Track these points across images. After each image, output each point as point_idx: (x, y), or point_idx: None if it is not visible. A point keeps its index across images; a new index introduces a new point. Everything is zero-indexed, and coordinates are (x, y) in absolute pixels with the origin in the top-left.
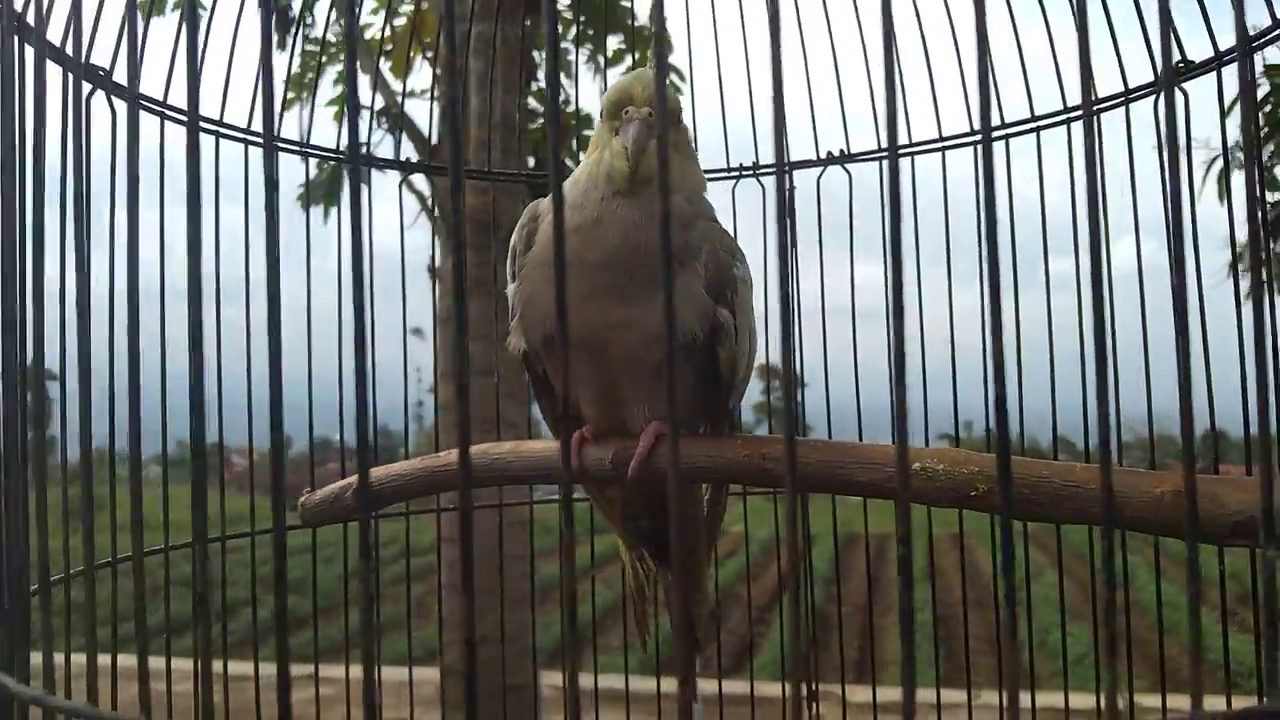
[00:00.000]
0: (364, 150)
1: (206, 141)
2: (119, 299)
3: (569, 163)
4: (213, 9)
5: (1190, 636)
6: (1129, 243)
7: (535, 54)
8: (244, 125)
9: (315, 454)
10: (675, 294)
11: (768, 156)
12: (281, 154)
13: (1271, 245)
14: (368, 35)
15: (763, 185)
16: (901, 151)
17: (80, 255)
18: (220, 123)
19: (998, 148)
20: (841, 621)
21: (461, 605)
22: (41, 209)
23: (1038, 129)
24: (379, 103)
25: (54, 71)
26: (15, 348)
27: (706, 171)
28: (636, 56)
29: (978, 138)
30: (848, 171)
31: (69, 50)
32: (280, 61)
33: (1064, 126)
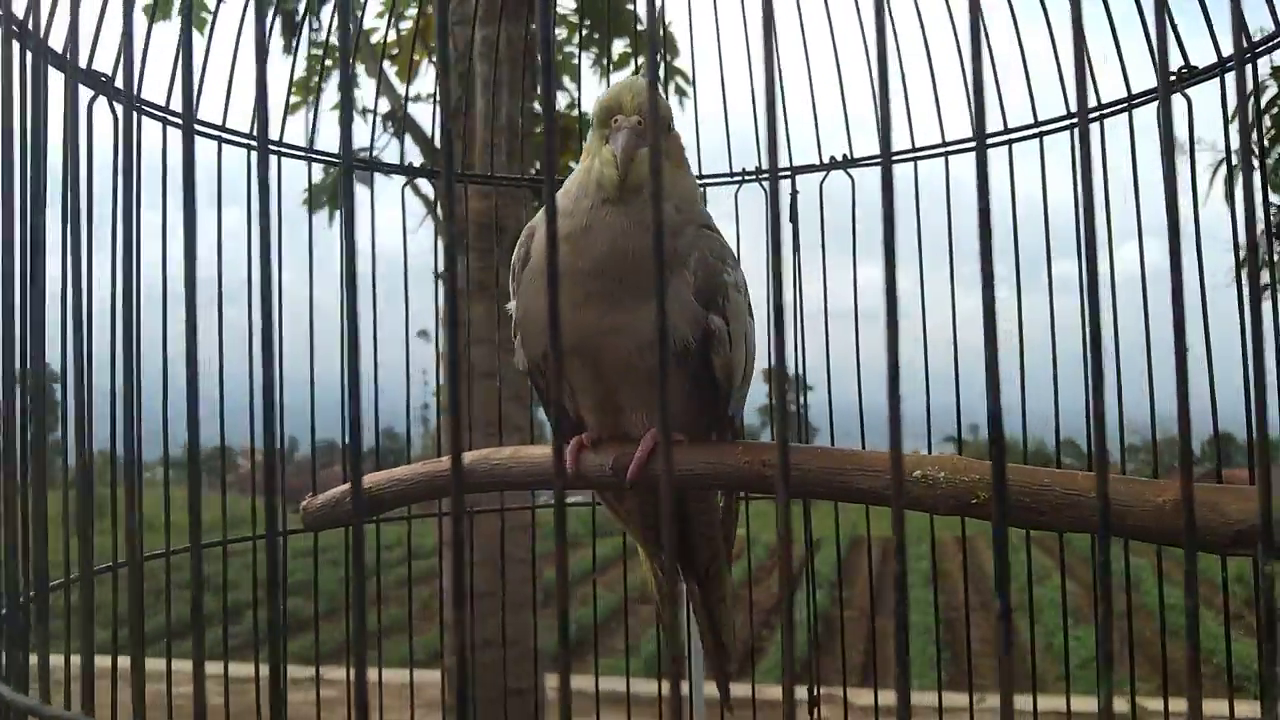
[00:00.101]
0: (368, 154)
1: (209, 146)
2: (120, 302)
3: (575, 165)
4: (216, 12)
5: (1187, 655)
6: (1133, 246)
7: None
8: (248, 130)
9: (319, 457)
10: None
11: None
12: (287, 158)
13: (1274, 249)
14: (373, 39)
15: (765, 189)
16: (904, 156)
17: (75, 259)
18: (222, 127)
19: (1000, 152)
20: (844, 625)
21: (454, 620)
22: (40, 213)
23: (1040, 134)
24: (384, 106)
25: (59, 79)
26: (13, 351)
27: (709, 175)
28: (641, 60)
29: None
30: (850, 176)
31: (87, 64)
32: (285, 66)
33: (1067, 132)
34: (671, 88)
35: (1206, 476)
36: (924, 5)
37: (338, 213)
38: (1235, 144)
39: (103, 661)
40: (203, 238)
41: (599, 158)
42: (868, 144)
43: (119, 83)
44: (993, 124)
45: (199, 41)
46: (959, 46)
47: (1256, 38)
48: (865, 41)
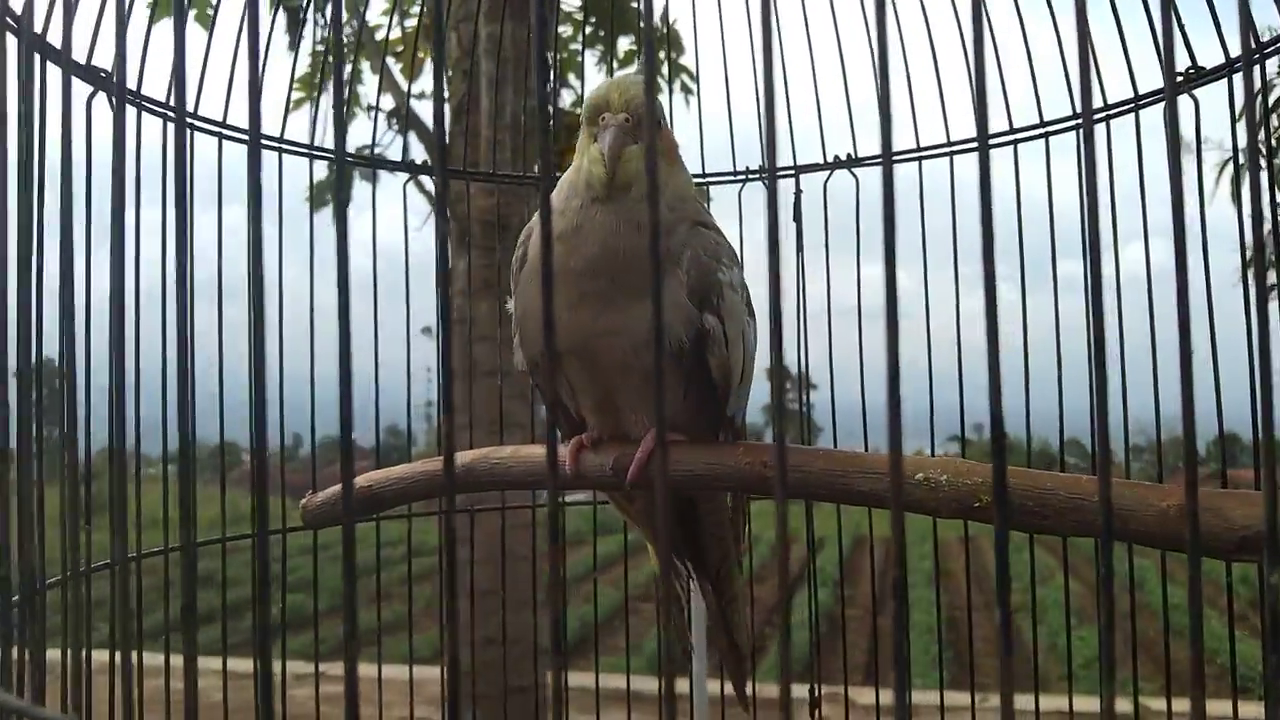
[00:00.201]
0: (370, 151)
1: (209, 143)
2: (111, 299)
3: None
4: (217, 8)
5: (1191, 664)
6: (1138, 245)
7: (546, 55)
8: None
9: (322, 455)
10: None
11: (776, 160)
12: (290, 155)
13: None
14: (378, 36)
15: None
16: (909, 156)
17: (68, 255)
18: (223, 124)
19: (1005, 152)
20: (846, 624)
21: (446, 631)
22: (34, 208)
23: (1045, 134)
24: (389, 103)
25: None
26: (5, 348)
27: (713, 174)
28: (654, 56)
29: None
30: (854, 176)
31: (87, 59)
32: (289, 62)
33: (1073, 132)
34: (677, 85)
35: (1211, 477)
36: (930, 5)
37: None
38: (1242, 144)
39: (104, 657)
40: (205, 234)
41: (588, 156)
42: (872, 143)
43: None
44: (998, 124)
45: (200, 37)
46: (964, 46)
47: (1265, 38)
48: (870, 40)
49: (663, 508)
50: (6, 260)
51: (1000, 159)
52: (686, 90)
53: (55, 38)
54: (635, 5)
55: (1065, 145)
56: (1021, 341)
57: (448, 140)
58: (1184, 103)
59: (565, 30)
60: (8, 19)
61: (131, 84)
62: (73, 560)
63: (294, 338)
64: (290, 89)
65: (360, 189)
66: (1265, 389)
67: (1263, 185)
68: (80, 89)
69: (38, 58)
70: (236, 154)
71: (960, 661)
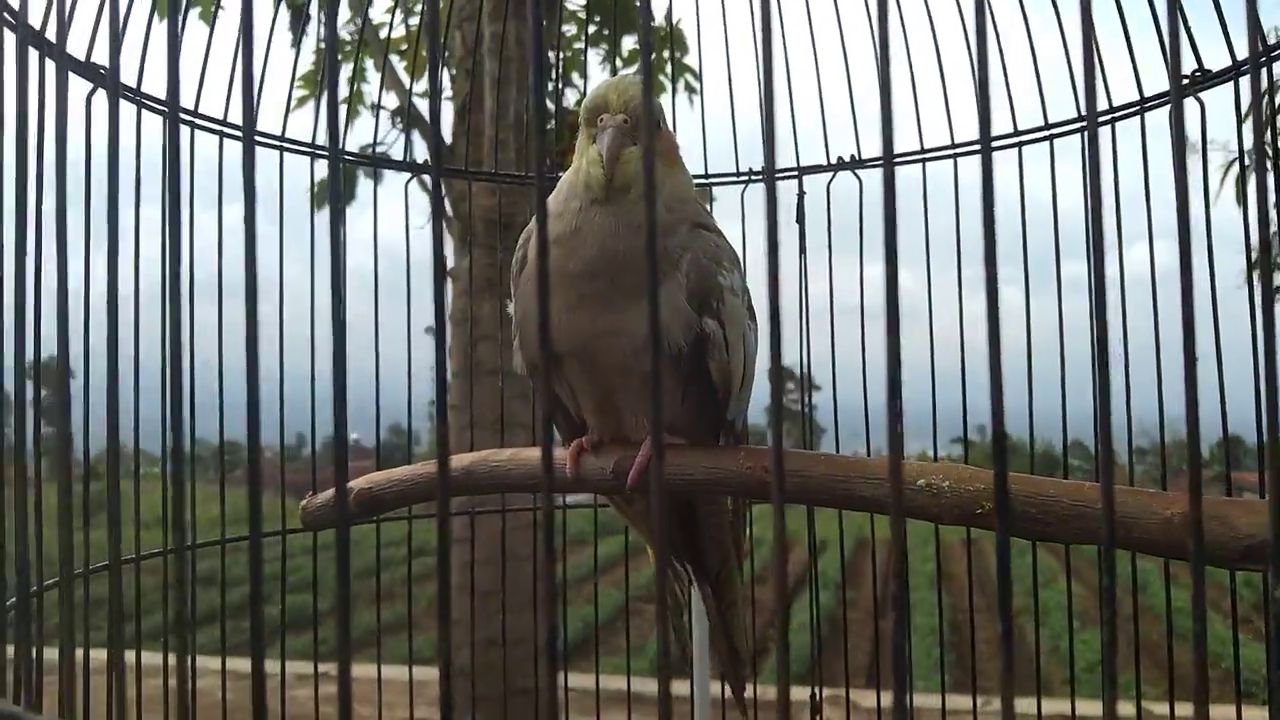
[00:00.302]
0: (372, 150)
1: (210, 141)
2: (106, 298)
3: None
4: (217, 4)
5: (1196, 675)
6: (1143, 247)
7: (550, 53)
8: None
9: (321, 455)
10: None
11: (779, 161)
12: (292, 154)
13: None
14: (381, 34)
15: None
16: (913, 158)
17: (63, 253)
18: (223, 121)
19: (1010, 154)
20: (847, 626)
21: (437, 634)
22: (28, 206)
23: (1050, 137)
24: (393, 102)
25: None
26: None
27: (716, 175)
28: (652, 57)
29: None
30: (858, 177)
31: (86, 56)
32: (293, 60)
33: (1078, 134)
34: (680, 84)
35: (1215, 480)
36: (935, 6)
37: (346, 209)
38: (1248, 145)
39: (104, 657)
40: (209, 233)
41: (586, 157)
42: (876, 145)
43: (123, 77)
44: (1003, 126)
45: (202, 33)
46: (969, 48)
47: (1271, 39)
48: (874, 41)
49: (659, 513)
50: (4, 260)
51: (1005, 161)
52: (690, 89)
53: (56, 36)
54: (638, 4)
55: (1070, 147)
56: (1025, 343)
57: (451, 139)
58: (1189, 105)
59: (569, 29)
60: (5, 14)
61: (134, 81)
62: (66, 561)
63: (295, 335)
64: (292, 87)
65: (364, 187)
66: (1271, 391)
67: (1269, 187)
68: (81, 86)
69: (36, 54)
70: (237, 152)
71: (962, 665)
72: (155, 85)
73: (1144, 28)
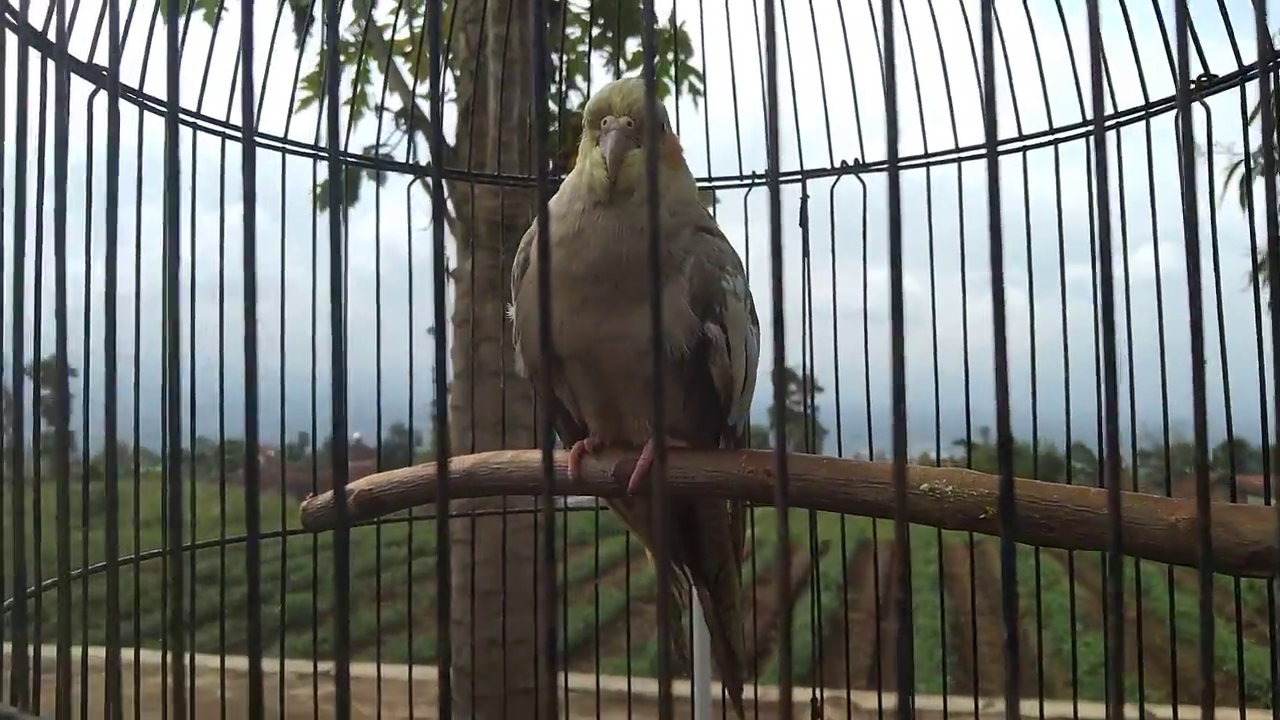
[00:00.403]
0: (375, 151)
1: (211, 141)
2: (122, 299)
3: None
4: (220, 4)
5: (1203, 686)
6: (1147, 249)
7: (553, 56)
8: (254, 126)
9: (321, 456)
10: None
11: (782, 164)
12: (294, 155)
13: None
14: (385, 36)
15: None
16: (917, 162)
17: (61, 254)
18: (225, 123)
19: (1015, 158)
20: (849, 628)
21: (437, 637)
22: (24, 205)
23: (1055, 142)
24: (397, 104)
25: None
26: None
27: (719, 178)
28: (655, 59)
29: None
30: (861, 181)
31: (89, 57)
32: (297, 62)
33: (1083, 139)
34: (684, 87)
35: (1220, 484)
36: (940, 11)
37: (343, 208)
38: (1254, 148)
39: (101, 655)
40: (208, 234)
41: (589, 160)
42: (880, 149)
43: (123, 78)
44: (1008, 131)
45: (205, 34)
46: (974, 52)
47: (1278, 44)
48: (878, 46)
49: (661, 516)
50: (5, 260)
51: (1009, 165)
52: (694, 92)
53: (57, 36)
54: (642, 6)
55: (1074, 151)
56: (1029, 346)
57: (454, 141)
58: (1195, 110)
59: (573, 32)
60: (7, 15)
61: (136, 83)
62: (63, 561)
63: (298, 336)
64: (295, 88)
65: (367, 189)
66: (1278, 395)
67: (1279, 190)
68: (83, 88)
69: (38, 55)
70: (239, 154)
71: (964, 666)
72: (157, 87)
73: (1148, 31)
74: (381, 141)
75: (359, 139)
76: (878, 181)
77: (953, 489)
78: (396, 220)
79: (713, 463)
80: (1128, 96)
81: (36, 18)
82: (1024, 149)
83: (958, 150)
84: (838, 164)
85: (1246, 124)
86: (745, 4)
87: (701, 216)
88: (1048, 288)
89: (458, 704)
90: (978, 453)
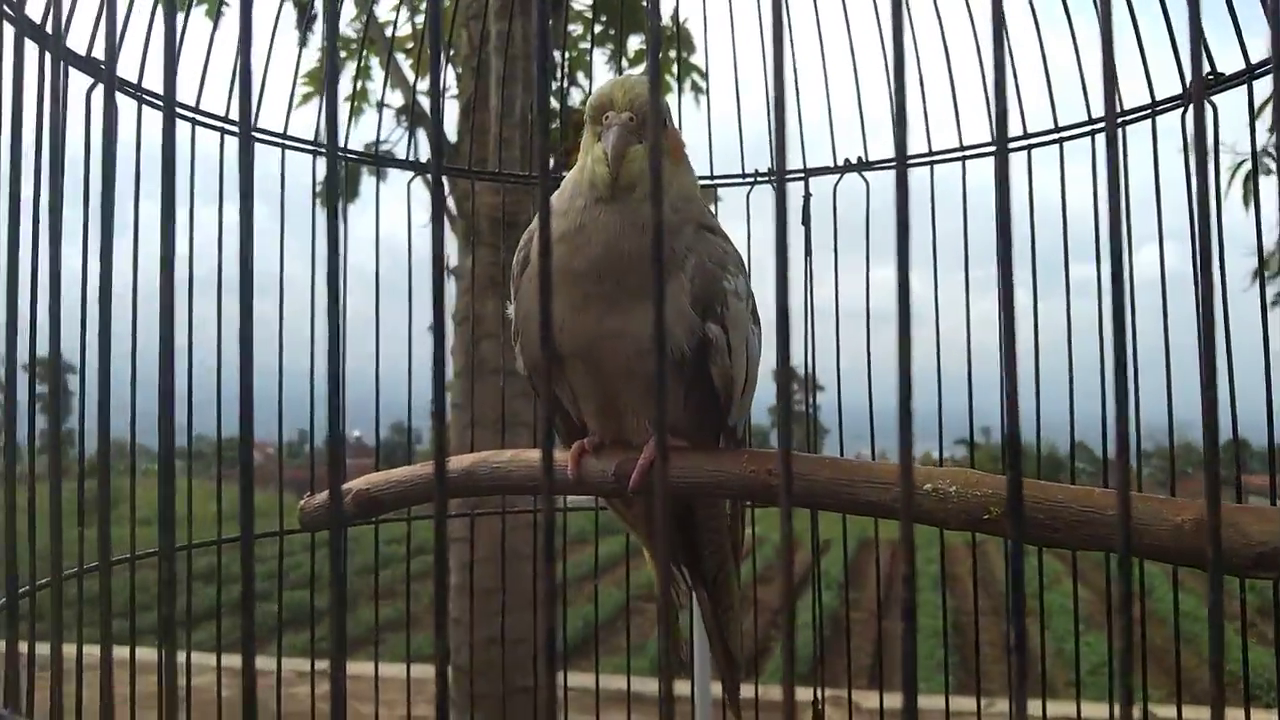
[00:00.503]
0: (375, 148)
1: (210, 136)
2: (118, 294)
3: None
4: (220, 2)
5: (1212, 689)
6: (1152, 249)
7: (555, 53)
8: (251, 122)
9: (320, 454)
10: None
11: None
12: (295, 151)
13: None
14: (387, 32)
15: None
16: (921, 160)
17: (57, 249)
18: (225, 118)
19: (1019, 158)
20: (850, 627)
21: (435, 636)
22: (20, 199)
23: (1060, 140)
24: (398, 100)
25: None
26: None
27: (722, 176)
28: (658, 55)
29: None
30: (865, 179)
31: (86, 51)
32: (299, 58)
33: (1088, 138)
34: (687, 84)
35: (1224, 484)
36: (944, 9)
37: (344, 206)
38: (1260, 144)
39: (95, 654)
40: (207, 229)
41: (591, 155)
42: (883, 147)
43: (120, 71)
44: (1012, 129)
45: (205, 28)
46: (979, 51)
47: None
48: (883, 44)
49: (662, 516)
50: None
51: (1013, 163)
52: (697, 89)
53: (54, 29)
54: (645, 3)
55: (1079, 150)
56: (1033, 345)
57: (456, 138)
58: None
59: (575, 29)
60: (4, 7)
61: (135, 77)
62: (56, 560)
63: (297, 333)
64: (295, 84)
65: (367, 185)
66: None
67: None
68: (81, 81)
69: (35, 48)
70: (237, 149)
71: (966, 666)
72: (156, 81)
73: (1154, 29)
74: (382, 138)
75: (360, 135)
76: (881, 180)
77: (956, 489)
78: (397, 217)
79: (714, 462)
80: (1132, 95)
81: (34, 10)
82: (1029, 147)
83: (962, 148)
84: (841, 162)
85: (1254, 122)
86: (749, 2)
87: (704, 214)
88: (1051, 287)
89: (456, 703)
90: (980, 452)
